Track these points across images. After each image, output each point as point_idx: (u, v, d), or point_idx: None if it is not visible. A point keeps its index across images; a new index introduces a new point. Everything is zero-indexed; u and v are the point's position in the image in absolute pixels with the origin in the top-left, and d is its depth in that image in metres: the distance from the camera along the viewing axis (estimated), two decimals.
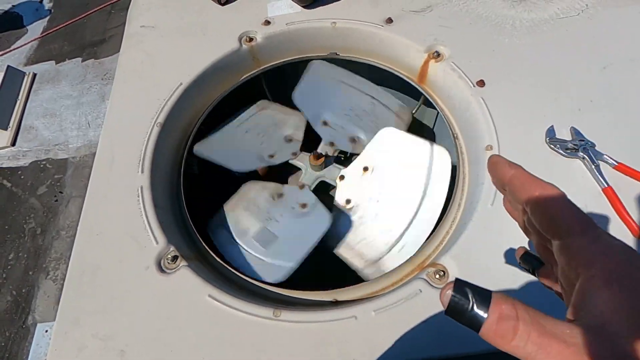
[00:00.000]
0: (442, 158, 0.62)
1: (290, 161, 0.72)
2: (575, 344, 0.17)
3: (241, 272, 0.56)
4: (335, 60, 0.76)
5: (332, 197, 0.68)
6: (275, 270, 0.58)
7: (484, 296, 0.20)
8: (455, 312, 0.20)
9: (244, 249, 0.61)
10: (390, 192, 0.64)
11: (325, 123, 0.73)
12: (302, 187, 0.68)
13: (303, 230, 0.62)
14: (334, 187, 0.70)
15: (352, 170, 0.68)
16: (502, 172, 0.25)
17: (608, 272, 0.19)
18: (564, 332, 0.18)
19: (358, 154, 0.69)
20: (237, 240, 0.61)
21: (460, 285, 0.20)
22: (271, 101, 0.79)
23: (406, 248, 0.59)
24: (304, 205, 0.65)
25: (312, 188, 0.68)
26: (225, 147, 0.70)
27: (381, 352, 0.45)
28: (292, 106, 0.74)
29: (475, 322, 0.19)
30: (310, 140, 0.74)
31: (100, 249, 0.54)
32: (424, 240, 0.57)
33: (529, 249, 0.32)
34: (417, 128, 0.84)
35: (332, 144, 0.72)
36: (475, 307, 0.19)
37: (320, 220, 0.62)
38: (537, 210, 0.23)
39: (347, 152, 0.75)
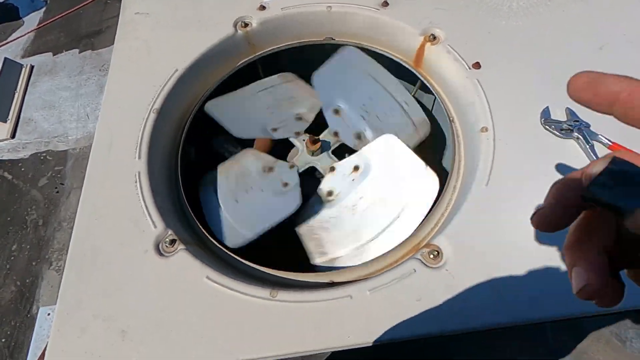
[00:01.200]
0: (431, 185, 0.60)
1: (290, 138, 0.72)
2: None
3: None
4: (369, 51, 0.73)
5: (319, 183, 0.68)
6: (236, 235, 0.61)
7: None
8: (605, 187, 0.18)
9: (220, 208, 0.63)
10: (371, 199, 0.63)
11: (336, 111, 0.72)
12: (292, 166, 0.68)
13: (273, 207, 0.64)
14: (323, 175, 0.69)
15: (344, 165, 0.67)
16: (613, 87, 0.19)
17: None
18: None
19: (355, 150, 0.69)
20: (218, 199, 0.64)
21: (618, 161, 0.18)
22: (297, 76, 0.77)
23: (363, 256, 0.58)
24: (285, 185, 0.66)
25: (300, 170, 0.68)
26: (235, 110, 0.71)
27: (376, 330, 0.45)
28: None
29: (626, 206, 0.17)
30: (319, 126, 0.73)
31: (100, 233, 0.55)
32: (384, 251, 0.55)
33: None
34: None
35: (336, 134, 0.71)
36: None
37: (290, 202, 0.63)
38: None
39: (344, 146, 0.73)
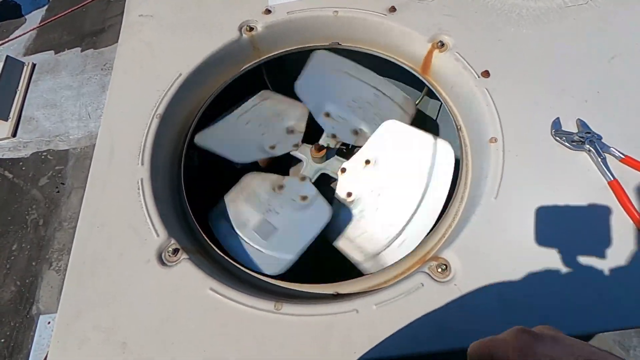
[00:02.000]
0: (445, 151, 0.62)
1: (291, 153, 0.71)
2: None
3: (241, 264, 0.56)
4: (338, 51, 0.74)
5: (333, 190, 0.68)
6: (274, 262, 0.58)
7: None
8: None
9: (244, 240, 0.60)
10: (392, 185, 0.63)
11: (327, 115, 0.72)
12: (302, 179, 0.67)
13: (303, 222, 0.62)
14: (335, 180, 0.69)
15: (354, 163, 0.67)
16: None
17: None
18: None
19: (360, 147, 0.69)
20: (237, 232, 0.61)
21: None
22: (273, 91, 0.77)
23: (407, 242, 0.59)
24: (304, 198, 0.65)
25: (313, 180, 0.68)
26: (226, 138, 0.69)
27: (382, 346, 0.45)
28: (294, 97, 0.73)
29: None
30: (313, 132, 0.73)
31: (101, 241, 0.54)
32: (424, 235, 0.56)
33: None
34: (420, 119, 0.83)
35: (334, 136, 0.71)
36: None
37: (320, 213, 0.62)
38: None
39: (350, 145, 0.74)
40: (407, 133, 0.65)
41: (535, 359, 0.24)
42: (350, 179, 0.67)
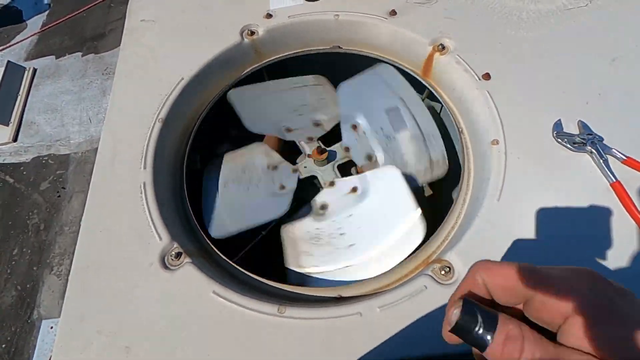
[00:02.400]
0: (417, 232, 0.56)
1: (299, 142, 0.70)
2: None
3: (244, 269, 0.56)
4: (405, 73, 0.71)
5: (315, 194, 0.66)
6: (221, 226, 0.61)
7: (491, 318, 0.20)
8: (462, 331, 0.21)
9: (218, 197, 0.64)
10: (357, 225, 0.60)
11: (354, 127, 0.70)
12: (294, 171, 0.67)
13: (264, 207, 0.63)
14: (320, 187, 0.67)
15: (344, 183, 0.65)
16: (512, 288, 0.22)
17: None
18: (568, 353, 0.19)
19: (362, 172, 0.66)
20: (219, 187, 0.65)
21: (468, 306, 0.21)
22: (329, 82, 0.75)
23: (335, 278, 0.57)
24: (282, 187, 0.65)
25: (301, 177, 0.67)
26: (255, 102, 0.70)
27: (386, 348, 0.44)
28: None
29: (482, 343, 0.20)
30: (335, 134, 0.71)
31: (104, 245, 0.54)
32: (350, 281, 0.54)
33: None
34: None
35: (347, 149, 0.69)
36: (482, 329, 0.20)
37: (279, 206, 0.62)
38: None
39: (356, 165, 0.70)
40: (399, 191, 0.60)
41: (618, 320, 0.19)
42: (333, 195, 0.65)
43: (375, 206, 0.61)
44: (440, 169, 0.65)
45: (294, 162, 0.70)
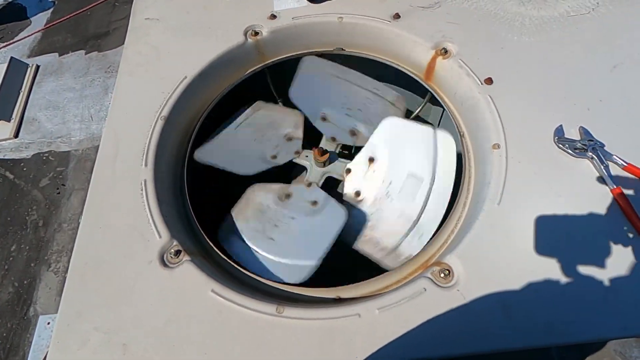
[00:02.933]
0: (445, 141, 0.64)
1: (294, 160, 0.71)
2: None
3: (245, 268, 0.55)
4: (325, 55, 0.76)
5: (341, 192, 0.68)
6: (299, 270, 0.57)
7: None
8: None
9: (259, 253, 0.59)
10: (399, 178, 0.64)
11: (324, 119, 0.73)
12: (309, 185, 0.67)
13: (319, 227, 0.62)
14: (340, 182, 0.69)
15: (358, 162, 0.68)
16: None
17: None
18: None
19: (361, 147, 0.69)
20: (251, 245, 0.60)
21: None
22: (265, 102, 0.78)
23: (422, 231, 0.60)
24: (314, 203, 0.65)
25: (319, 185, 0.68)
26: (226, 152, 0.69)
27: (385, 350, 0.44)
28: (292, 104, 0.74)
29: None
30: (315, 138, 0.73)
31: (103, 242, 0.54)
32: (438, 223, 0.58)
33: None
34: None
35: (333, 139, 0.72)
36: None
37: (335, 215, 0.62)
38: None
39: (352, 148, 0.74)
40: (407, 127, 0.67)
41: None
42: (357, 178, 0.67)
43: (398, 154, 0.66)
44: (402, 103, 0.77)
45: (289, 182, 0.71)
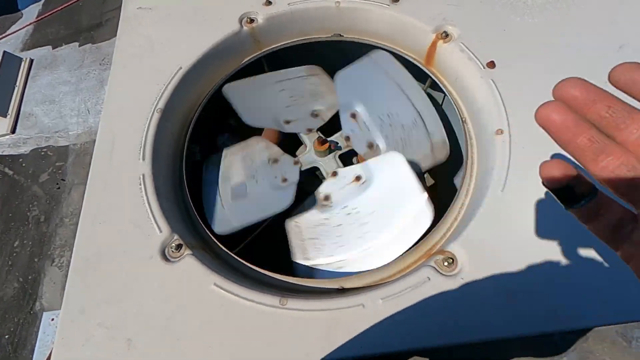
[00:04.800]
0: (425, 216, 0.55)
1: (300, 134, 0.70)
2: None
3: (246, 261, 0.55)
4: (401, 58, 0.70)
5: (318, 185, 0.65)
6: (225, 222, 0.61)
7: None
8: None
9: (219, 192, 0.63)
10: (363, 214, 0.60)
11: (353, 115, 0.69)
12: (296, 163, 0.67)
13: (267, 201, 0.63)
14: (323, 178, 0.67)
15: (347, 173, 0.64)
16: None
17: None
18: None
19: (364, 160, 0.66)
20: (219, 182, 0.65)
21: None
22: (323, 70, 0.74)
23: (342, 269, 0.56)
24: (284, 180, 0.65)
25: (303, 169, 0.67)
26: (252, 96, 0.69)
27: (389, 340, 0.44)
28: None
29: None
30: (334, 125, 0.70)
31: (103, 238, 0.54)
32: (365, 269, 0.54)
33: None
34: None
35: (348, 138, 0.68)
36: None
37: (283, 200, 0.62)
38: None
39: (357, 155, 0.70)
40: (404, 176, 0.59)
41: None
42: (336, 185, 0.64)
43: (381, 194, 0.60)
44: (442, 153, 0.64)
45: (294, 155, 0.69)
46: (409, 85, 0.69)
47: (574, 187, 0.22)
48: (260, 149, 0.68)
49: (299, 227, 0.61)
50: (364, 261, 0.56)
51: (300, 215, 0.62)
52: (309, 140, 0.69)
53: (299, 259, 0.58)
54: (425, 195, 0.57)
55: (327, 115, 0.70)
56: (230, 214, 0.62)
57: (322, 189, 0.64)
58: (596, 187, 0.22)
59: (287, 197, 0.62)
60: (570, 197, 0.22)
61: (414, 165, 0.62)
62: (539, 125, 0.23)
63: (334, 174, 0.65)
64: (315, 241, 0.59)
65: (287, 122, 0.69)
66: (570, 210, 0.23)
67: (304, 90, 0.72)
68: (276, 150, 0.68)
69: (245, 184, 0.65)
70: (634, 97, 0.21)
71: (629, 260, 0.22)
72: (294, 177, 0.65)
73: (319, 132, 0.69)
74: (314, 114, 0.70)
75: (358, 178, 0.63)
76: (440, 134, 0.66)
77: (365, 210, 0.60)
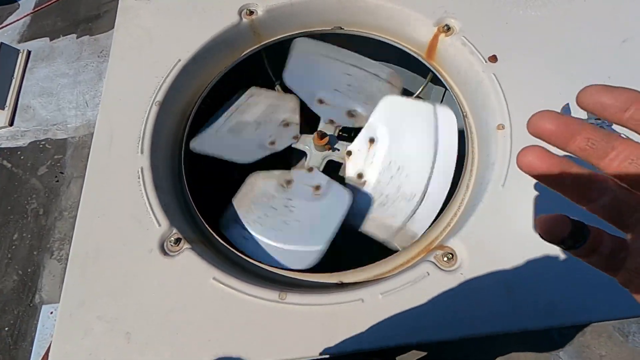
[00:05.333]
0: (446, 116, 0.63)
1: (293, 145, 0.69)
2: None
3: (247, 255, 0.55)
4: (315, 35, 0.74)
5: (342, 176, 0.66)
6: (307, 255, 0.56)
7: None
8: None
9: (263, 241, 0.58)
10: (401, 157, 0.63)
11: (320, 101, 0.71)
12: (310, 169, 0.66)
13: (324, 211, 0.61)
14: (341, 165, 0.68)
15: (358, 144, 0.66)
16: (624, 94, 0.21)
17: None
18: None
19: (360, 128, 0.67)
20: (254, 234, 0.59)
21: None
22: (259, 87, 0.75)
23: (429, 209, 0.59)
24: (317, 188, 0.64)
25: (321, 169, 0.67)
26: (223, 140, 0.67)
27: (389, 334, 0.44)
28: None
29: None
30: (308, 123, 0.72)
31: (102, 232, 0.54)
32: (444, 198, 0.58)
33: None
34: None
35: (331, 121, 0.70)
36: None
37: (339, 198, 0.61)
38: None
39: (352, 131, 0.72)
40: (406, 105, 0.65)
41: None
42: (358, 160, 0.66)
43: (399, 133, 0.64)
44: (398, 79, 0.75)
45: (289, 168, 0.70)
46: (338, 53, 0.75)
47: (571, 234, 0.23)
48: (264, 183, 0.64)
49: (369, 218, 0.62)
50: (436, 187, 0.60)
51: (369, 213, 0.62)
52: (306, 144, 0.69)
53: (398, 242, 0.59)
54: (438, 105, 0.63)
55: (295, 118, 0.71)
56: (306, 245, 0.58)
57: (349, 172, 0.65)
58: (588, 226, 0.23)
59: (341, 193, 0.61)
60: (569, 245, 0.23)
61: None
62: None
63: (349, 153, 0.66)
64: (386, 211, 0.61)
65: (272, 142, 0.69)
66: (569, 252, 0.24)
67: (257, 111, 0.73)
68: (280, 174, 0.66)
69: (286, 216, 0.61)
70: (605, 119, 0.22)
71: (627, 285, 0.23)
72: (323, 178, 0.65)
73: (307, 135, 0.70)
74: (285, 123, 0.71)
75: (372, 140, 0.65)
76: (384, 70, 0.75)
77: (400, 154, 0.63)
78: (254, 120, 0.71)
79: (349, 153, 0.66)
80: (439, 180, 0.60)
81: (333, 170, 0.70)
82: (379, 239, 0.60)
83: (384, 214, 0.61)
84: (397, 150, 0.64)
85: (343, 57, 0.74)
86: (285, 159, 0.75)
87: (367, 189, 0.64)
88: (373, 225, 0.61)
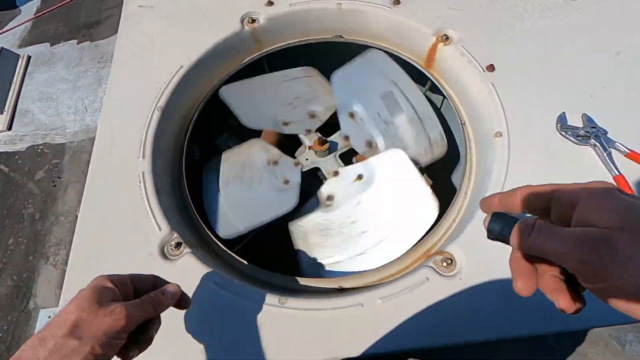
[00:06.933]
0: (429, 210, 0.57)
1: (299, 135, 0.70)
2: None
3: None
4: (401, 60, 0.70)
5: (319, 186, 0.66)
6: (229, 226, 0.60)
7: (513, 220, 0.28)
8: (492, 233, 0.28)
9: (221, 197, 0.63)
10: (369, 212, 0.60)
11: (351, 115, 0.69)
12: (296, 164, 0.67)
13: (270, 203, 0.63)
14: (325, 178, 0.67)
15: (348, 172, 0.65)
16: (541, 193, 0.28)
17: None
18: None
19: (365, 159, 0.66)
20: (220, 187, 0.64)
21: (495, 216, 0.29)
22: (319, 72, 0.75)
23: (347, 267, 0.57)
24: (286, 182, 0.65)
25: (304, 169, 0.67)
26: (249, 98, 0.69)
27: (388, 340, 0.44)
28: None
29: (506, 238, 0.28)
30: (332, 125, 0.70)
31: (103, 236, 0.54)
32: (376, 266, 0.54)
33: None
34: None
35: (347, 138, 0.69)
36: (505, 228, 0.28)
37: (286, 201, 0.62)
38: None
39: (355, 153, 0.70)
40: (407, 172, 0.60)
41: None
42: (338, 185, 0.64)
43: (384, 191, 0.61)
44: (440, 149, 0.66)
45: (293, 156, 0.70)
46: (405, 83, 0.70)
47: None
48: (259, 151, 0.68)
49: (303, 228, 0.61)
50: (368, 260, 0.56)
51: (303, 217, 0.62)
52: (309, 141, 0.69)
53: (305, 260, 0.58)
54: (429, 189, 0.58)
55: (325, 116, 0.70)
56: (235, 218, 0.61)
57: (325, 189, 0.64)
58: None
59: (291, 199, 0.62)
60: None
61: (413, 162, 0.63)
62: None
63: (335, 173, 0.66)
64: (320, 242, 0.60)
65: (286, 123, 0.69)
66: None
67: (300, 91, 0.72)
68: (275, 152, 0.68)
69: (247, 187, 0.64)
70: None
71: (605, 300, 0.25)
72: (296, 178, 0.65)
73: (318, 133, 0.70)
74: (312, 115, 0.71)
75: (360, 177, 0.63)
76: (437, 130, 0.67)
77: (369, 209, 0.60)
78: (291, 96, 0.71)
79: (336, 173, 0.65)
80: (386, 249, 0.56)
81: (318, 177, 0.70)
82: (295, 243, 0.61)
83: (316, 241, 0.60)
84: (371, 202, 0.61)
85: (406, 90, 0.69)
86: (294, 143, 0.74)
87: (325, 212, 0.62)
88: (298, 234, 0.61)
